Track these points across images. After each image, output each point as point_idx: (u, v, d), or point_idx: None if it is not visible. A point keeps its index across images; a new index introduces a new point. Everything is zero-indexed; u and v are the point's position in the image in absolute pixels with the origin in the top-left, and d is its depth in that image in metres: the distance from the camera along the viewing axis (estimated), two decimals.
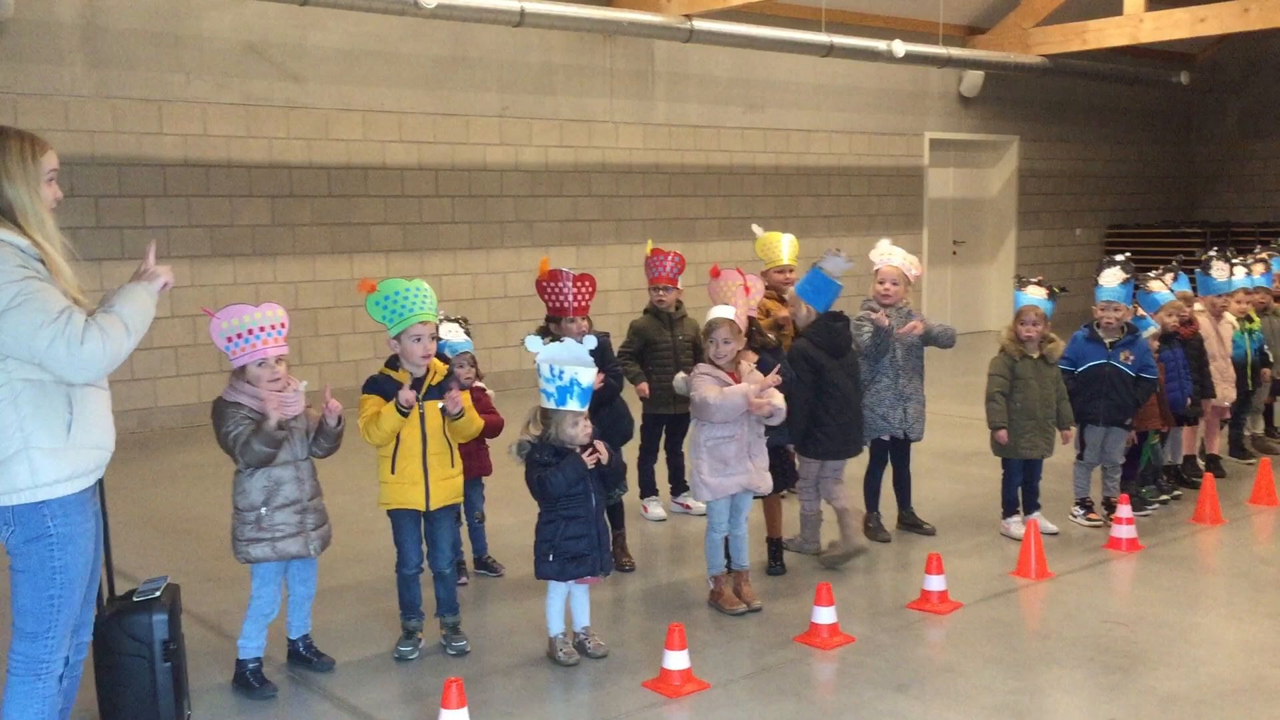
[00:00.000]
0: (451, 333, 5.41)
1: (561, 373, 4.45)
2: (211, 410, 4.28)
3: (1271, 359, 7.74)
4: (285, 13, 9.80)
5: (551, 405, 4.48)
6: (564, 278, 5.30)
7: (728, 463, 5.06)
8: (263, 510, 4.29)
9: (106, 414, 3.37)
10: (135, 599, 3.99)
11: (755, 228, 7.06)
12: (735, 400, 4.94)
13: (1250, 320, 7.61)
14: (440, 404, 4.53)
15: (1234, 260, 7.59)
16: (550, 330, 5.36)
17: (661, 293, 6.37)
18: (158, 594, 4.02)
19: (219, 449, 4.34)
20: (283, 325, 4.27)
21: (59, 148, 3.41)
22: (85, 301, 3.30)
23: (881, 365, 6.08)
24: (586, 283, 5.37)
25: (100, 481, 3.45)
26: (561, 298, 5.32)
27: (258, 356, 4.20)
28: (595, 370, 4.54)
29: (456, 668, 4.52)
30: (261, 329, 4.20)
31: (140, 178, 9.29)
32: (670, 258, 6.35)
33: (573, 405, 4.48)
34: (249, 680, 4.36)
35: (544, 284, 5.36)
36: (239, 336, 4.18)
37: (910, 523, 6.30)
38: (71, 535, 3.25)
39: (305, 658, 4.57)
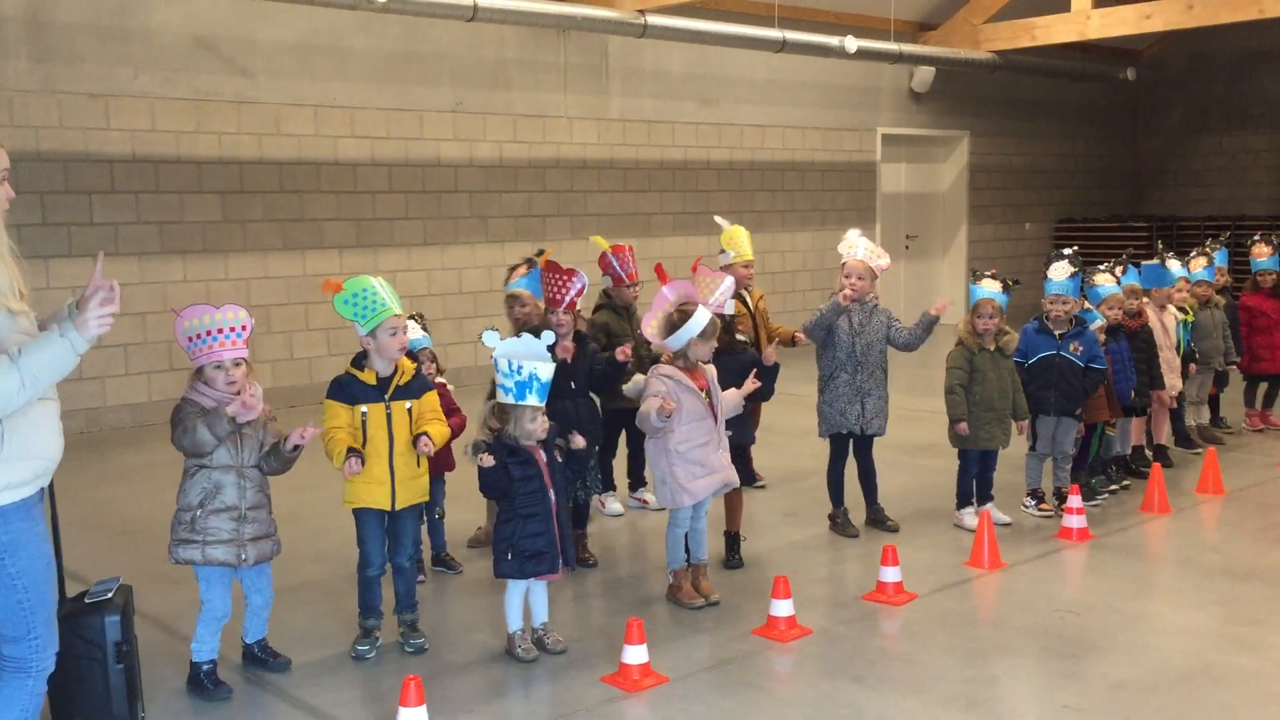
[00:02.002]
0: (414, 330, 5.42)
1: (520, 368, 4.44)
2: (173, 411, 4.24)
3: (1197, 354, 7.86)
4: (234, 6, 9.69)
5: (510, 400, 4.48)
6: (561, 271, 5.46)
7: (704, 463, 5.06)
8: (198, 512, 4.23)
9: (50, 424, 3.27)
10: (87, 601, 3.95)
11: (719, 219, 7.08)
12: (651, 421, 4.94)
13: (1185, 312, 7.74)
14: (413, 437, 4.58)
15: (1171, 256, 7.74)
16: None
17: (636, 289, 6.41)
18: (110, 595, 3.97)
19: (170, 448, 4.31)
20: (244, 328, 4.24)
21: (2, 143, 3.34)
22: (19, 307, 3.21)
23: (840, 360, 6.10)
24: (562, 275, 5.49)
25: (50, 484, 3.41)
26: (557, 290, 5.45)
27: (214, 359, 4.17)
28: (553, 365, 4.54)
29: (414, 665, 4.50)
30: (220, 330, 4.17)
31: (87, 174, 9.15)
32: (629, 251, 6.38)
33: (531, 401, 4.48)
34: (203, 682, 4.31)
35: (546, 275, 5.52)
36: (199, 336, 4.16)
37: (876, 519, 6.33)
38: (18, 541, 3.19)
39: (260, 659, 4.53)
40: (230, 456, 4.25)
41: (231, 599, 4.42)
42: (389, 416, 4.51)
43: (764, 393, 5.78)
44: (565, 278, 5.44)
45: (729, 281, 5.55)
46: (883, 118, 15.06)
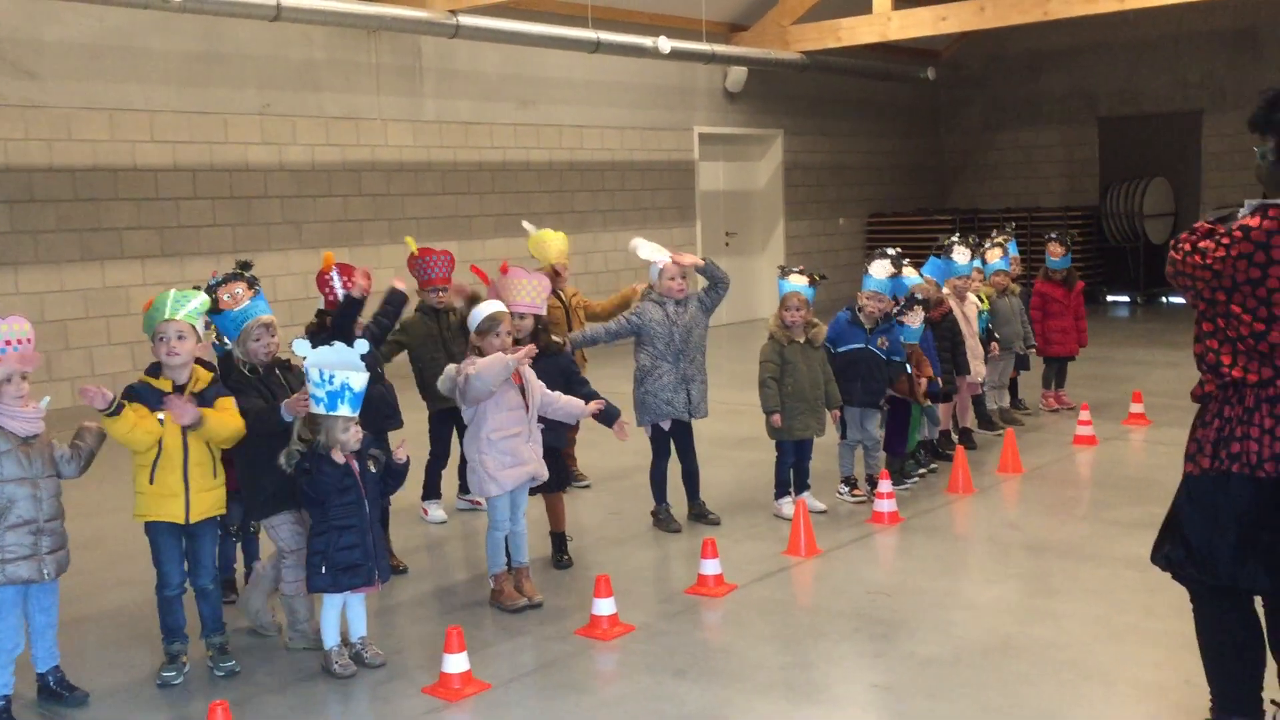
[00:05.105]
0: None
1: (332, 377, 4.35)
2: None
3: (998, 336, 8.27)
4: (16, 5, 9.15)
5: (321, 410, 4.37)
6: (340, 271, 5.31)
7: (514, 454, 5.06)
8: None
9: None
10: None
11: (526, 224, 7.07)
12: (494, 366, 4.88)
13: (980, 300, 8.13)
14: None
15: (974, 245, 8.09)
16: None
17: (440, 293, 6.33)
18: None
19: None
20: (29, 340, 4.12)
21: None
22: None
23: (659, 351, 6.16)
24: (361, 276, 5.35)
25: None
26: (335, 292, 5.31)
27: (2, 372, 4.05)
28: (366, 375, 4.46)
29: (225, 690, 4.34)
30: (8, 342, 4.05)
31: None
32: (443, 257, 6.31)
33: (344, 410, 4.38)
34: None
35: (324, 277, 5.33)
36: None
37: (698, 514, 6.41)
38: None
39: (55, 692, 4.29)
40: (21, 469, 4.11)
41: (23, 628, 4.20)
42: (183, 426, 4.35)
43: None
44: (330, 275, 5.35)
45: (539, 281, 5.54)
46: (699, 117, 15.30)
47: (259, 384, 4.63)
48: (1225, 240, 3.30)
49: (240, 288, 4.71)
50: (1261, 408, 3.28)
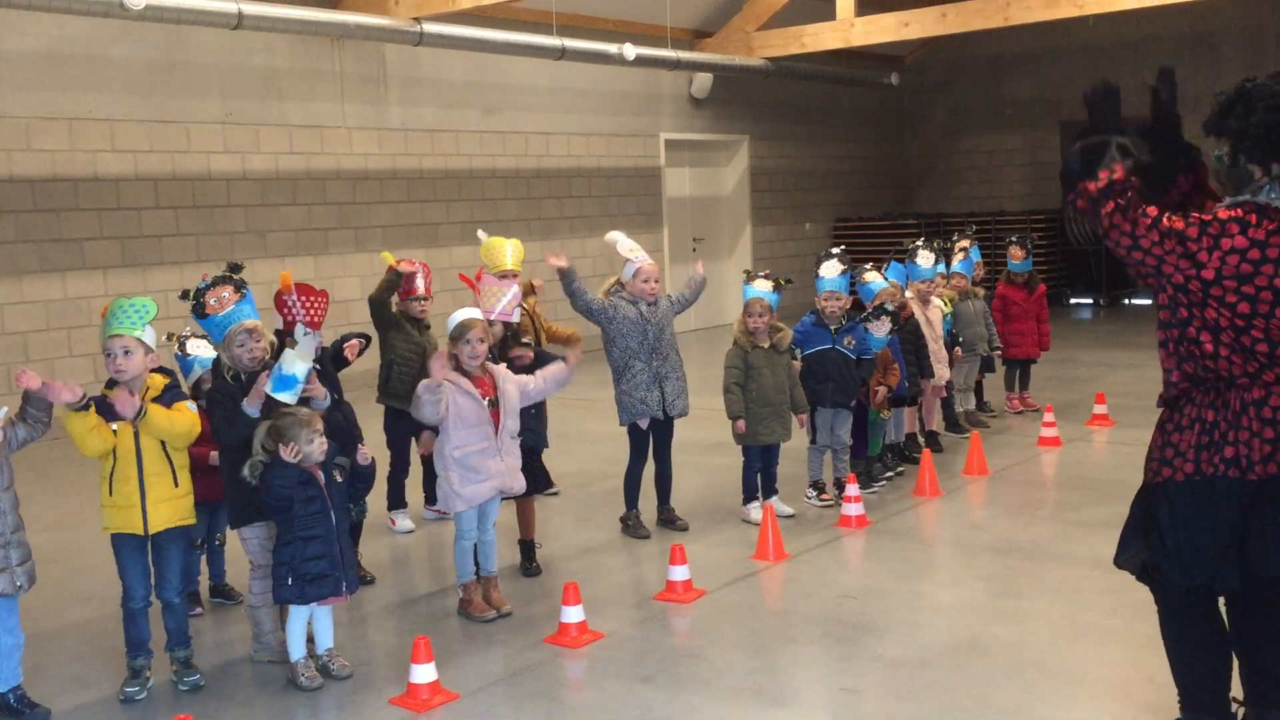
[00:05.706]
0: (201, 348, 5.23)
1: (281, 364, 4.42)
2: None
3: (961, 339, 8.34)
4: None
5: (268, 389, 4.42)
6: (298, 291, 5.16)
7: (478, 469, 5.03)
8: None
9: None
10: None
11: (480, 233, 7.05)
12: (420, 401, 4.88)
13: (944, 304, 8.18)
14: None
15: (939, 249, 8.14)
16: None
17: (424, 303, 6.38)
18: None
19: None
20: None
21: None
22: None
23: (632, 349, 6.16)
24: (318, 298, 5.25)
25: None
26: (292, 312, 5.19)
27: None
28: (301, 364, 4.46)
29: (189, 704, 4.30)
30: None
31: None
32: (420, 268, 6.35)
33: (270, 388, 4.41)
34: None
35: (283, 297, 5.21)
36: None
37: (667, 520, 6.41)
38: None
39: (16, 710, 4.23)
40: None
41: None
42: (136, 434, 4.32)
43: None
44: (320, 299, 5.26)
45: (514, 290, 5.54)
46: (665, 123, 15.33)
47: (239, 392, 4.54)
48: (1213, 229, 3.20)
49: (227, 291, 4.59)
50: (1249, 410, 3.23)
